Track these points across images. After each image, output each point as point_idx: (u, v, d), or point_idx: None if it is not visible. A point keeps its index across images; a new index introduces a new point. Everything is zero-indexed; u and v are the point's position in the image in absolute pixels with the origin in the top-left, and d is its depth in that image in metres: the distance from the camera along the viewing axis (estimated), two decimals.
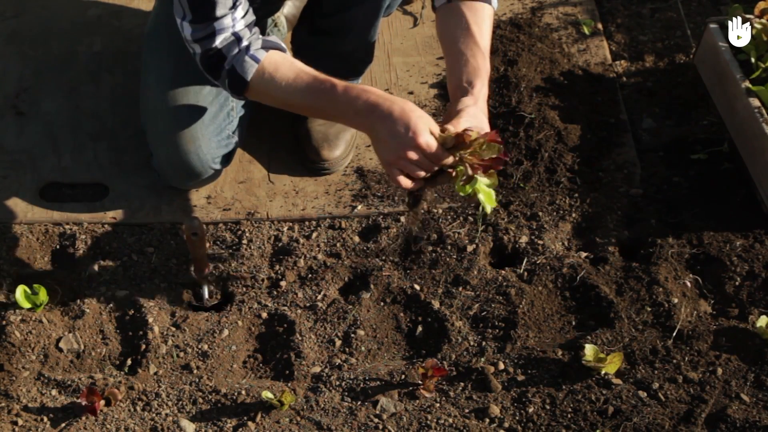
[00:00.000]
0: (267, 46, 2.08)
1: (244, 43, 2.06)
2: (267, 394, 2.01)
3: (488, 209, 1.90)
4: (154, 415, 2.03)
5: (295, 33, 2.60)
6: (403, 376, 2.10)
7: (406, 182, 1.95)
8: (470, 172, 1.88)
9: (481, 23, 2.09)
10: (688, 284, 2.26)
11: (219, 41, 2.04)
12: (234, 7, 2.01)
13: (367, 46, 2.50)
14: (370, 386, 2.08)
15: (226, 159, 2.43)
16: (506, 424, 2.01)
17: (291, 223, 2.42)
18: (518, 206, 2.43)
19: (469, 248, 2.33)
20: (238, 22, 2.04)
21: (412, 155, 1.90)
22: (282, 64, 2.06)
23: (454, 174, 1.92)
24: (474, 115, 1.95)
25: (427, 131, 1.91)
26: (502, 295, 2.24)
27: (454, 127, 1.90)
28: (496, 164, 1.88)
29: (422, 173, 1.93)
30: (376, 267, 2.30)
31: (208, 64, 2.09)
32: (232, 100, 2.36)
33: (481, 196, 1.88)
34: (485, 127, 1.95)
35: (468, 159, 1.88)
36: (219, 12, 2.00)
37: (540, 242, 2.35)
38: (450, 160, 1.91)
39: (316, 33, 2.47)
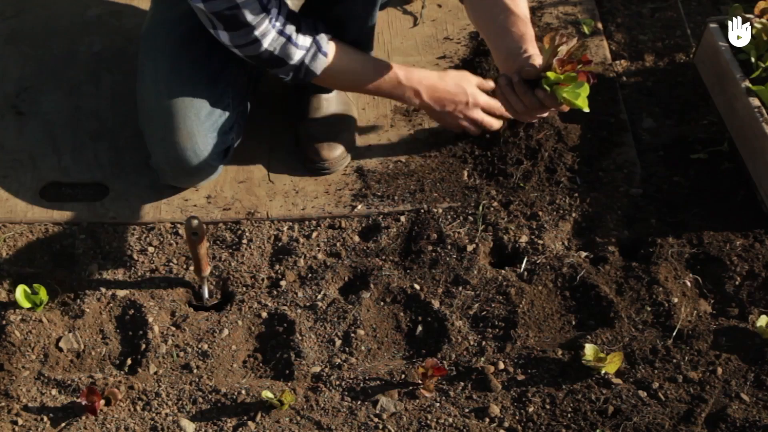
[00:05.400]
0: (330, 38, 2.25)
1: (307, 39, 2.19)
2: (267, 394, 2.01)
3: (587, 109, 1.99)
4: (154, 414, 2.03)
5: None
6: (403, 376, 2.10)
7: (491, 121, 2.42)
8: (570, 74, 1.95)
9: None
10: (688, 284, 2.26)
11: (267, 44, 2.11)
12: (268, 10, 2.04)
13: (367, 37, 2.49)
14: (370, 386, 2.08)
15: (224, 155, 2.42)
16: (506, 424, 2.01)
17: (291, 223, 2.42)
18: (518, 206, 2.43)
19: (469, 248, 2.33)
20: (278, 21, 2.07)
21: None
22: (343, 52, 2.29)
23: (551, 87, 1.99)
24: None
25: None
26: (502, 295, 2.24)
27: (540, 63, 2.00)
28: (585, 67, 1.96)
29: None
30: (376, 267, 2.30)
31: (265, 64, 2.22)
32: (228, 95, 2.36)
33: (579, 102, 1.97)
34: None
35: (564, 69, 1.96)
36: (250, 18, 2.02)
37: (540, 242, 2.34)
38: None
39: None
